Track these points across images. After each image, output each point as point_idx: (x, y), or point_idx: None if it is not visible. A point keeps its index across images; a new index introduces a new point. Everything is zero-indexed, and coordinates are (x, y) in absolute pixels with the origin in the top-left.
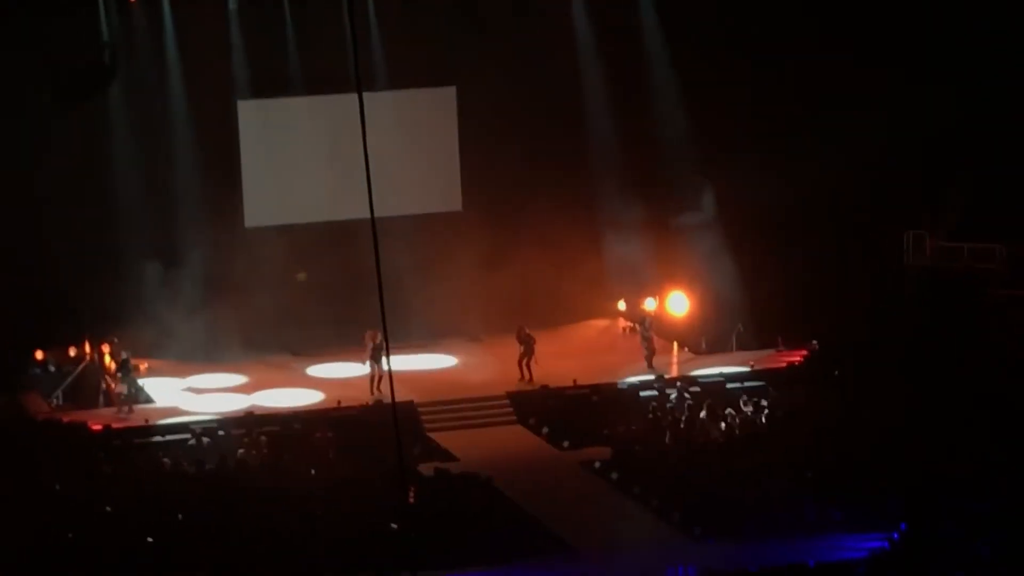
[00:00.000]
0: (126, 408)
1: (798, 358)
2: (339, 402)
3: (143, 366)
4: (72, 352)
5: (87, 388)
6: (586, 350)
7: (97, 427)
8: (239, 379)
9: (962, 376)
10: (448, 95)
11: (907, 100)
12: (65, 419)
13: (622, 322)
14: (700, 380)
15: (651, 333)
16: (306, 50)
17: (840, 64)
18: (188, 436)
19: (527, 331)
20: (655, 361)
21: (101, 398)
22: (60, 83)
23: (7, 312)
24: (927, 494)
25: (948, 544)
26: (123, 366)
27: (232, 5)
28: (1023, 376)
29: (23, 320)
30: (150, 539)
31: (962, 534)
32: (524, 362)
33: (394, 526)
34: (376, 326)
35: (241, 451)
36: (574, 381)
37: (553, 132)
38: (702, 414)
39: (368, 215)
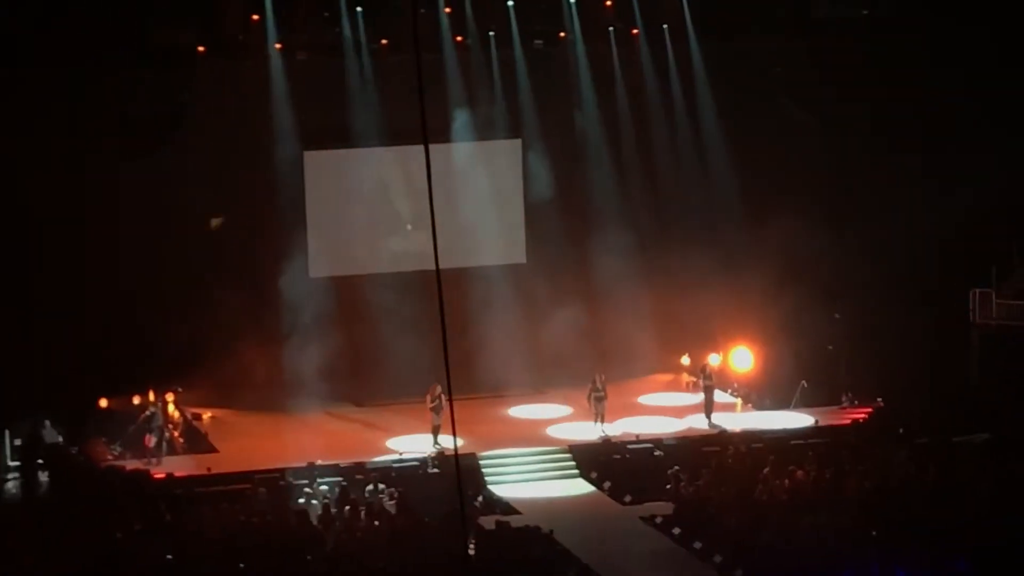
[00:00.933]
0: (155, 460)
1: (863, 415)
2: (401, 454)
3: (206, 415)
4: (136, 401)
5: (148, 439)
6: (649, 404)
7: (160, 476)
8: (303, 431)
9: None
10: (513, 149)
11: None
12: (128, 468)
13: (686, 377)
14: (763, 436)
15: (713, 388)
16: (374, 101)
17: (914, 122)
18: (249, 486)
19: (601, 380)
20: (718, 417)
21: (164, 447)
22: (131, 133)
23: (73, 360)
24: (994, 557)
25: None
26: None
27: (301, 56)
28: None
29: (88, 368)
30: None
31: None
32: (599, 409)
33: None
34: (439, 379)
35: (302, 501)
36: (636, 435)
37: (618, 185)
38: (765, 470)
39: (433, 267)
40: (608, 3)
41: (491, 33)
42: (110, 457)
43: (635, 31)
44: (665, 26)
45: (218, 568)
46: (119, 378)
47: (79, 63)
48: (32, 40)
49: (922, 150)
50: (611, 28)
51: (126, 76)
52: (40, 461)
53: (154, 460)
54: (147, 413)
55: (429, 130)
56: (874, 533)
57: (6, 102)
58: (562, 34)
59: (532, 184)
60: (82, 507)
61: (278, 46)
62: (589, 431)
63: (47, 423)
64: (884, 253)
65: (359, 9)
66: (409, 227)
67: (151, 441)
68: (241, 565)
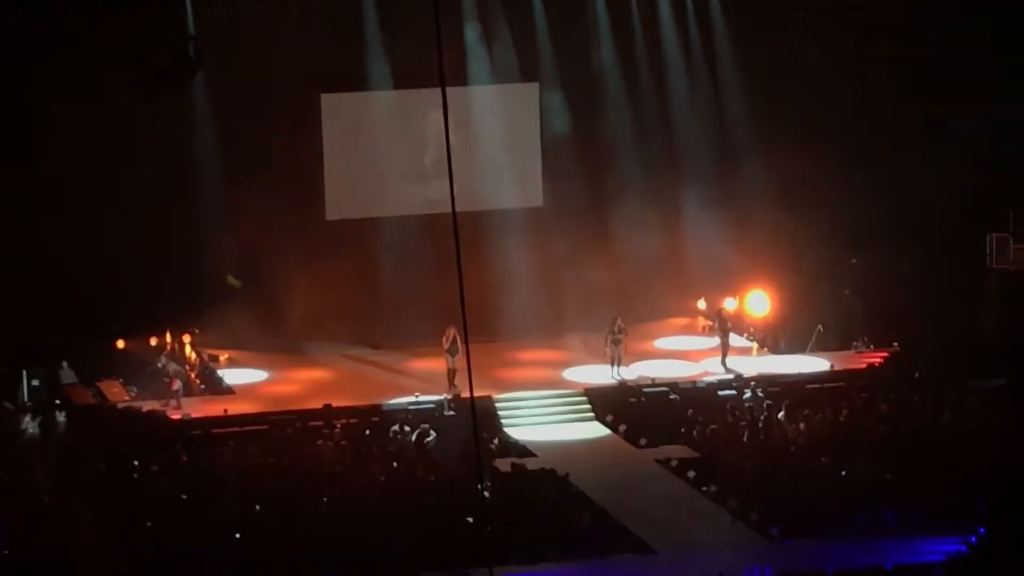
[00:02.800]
0: (174, 402)
1: (879, 359)
2: (416, 395)
3: (223, 357)
4: (153, 342)
5: (166, 379)
6: (664, 348)
7: (176, 416)
8: (319, 372)
9: None
10: (530, 92)
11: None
12: (144, 408)
13: (702, 320)
14: (779, 380)
15: (729, 332)
16: (391, 44)
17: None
18: (265, 427)
19: (619, 324)
20: (733, 361)
21: (182, 390)
22: (146, 76)
23: (89, 301)
24: (1008, 499)
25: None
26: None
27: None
28: None
29: (105, 309)
30: (237, 535)
31: None
32: (615, 352)
33: (470, 520)
34: (455, 321)
35: (319, 442)
36: (652, 380)
37: (635, 128)
38: (780, 414)
39: (450, 210)
40: None
41: None
42: (127, 398)
43: None
44: None
45: (233, 509)
46: (136, 319)
47: (95, 3)
48: None
49: (943, 96)
50: None
51: (142, 17)
52: (57, 401)
53: (172, 402)
54: (160, 362)
55: (448, 74)
56: (888, 477)
57: (27, 46)
58: None
59: (549, 126)
60: (98, 447)
61: None
62: (605, 374)
63: (64, 363)
64: (902, 198)
65: None
66: (428, 167)
67: (176, 384)
68: (257, 507)
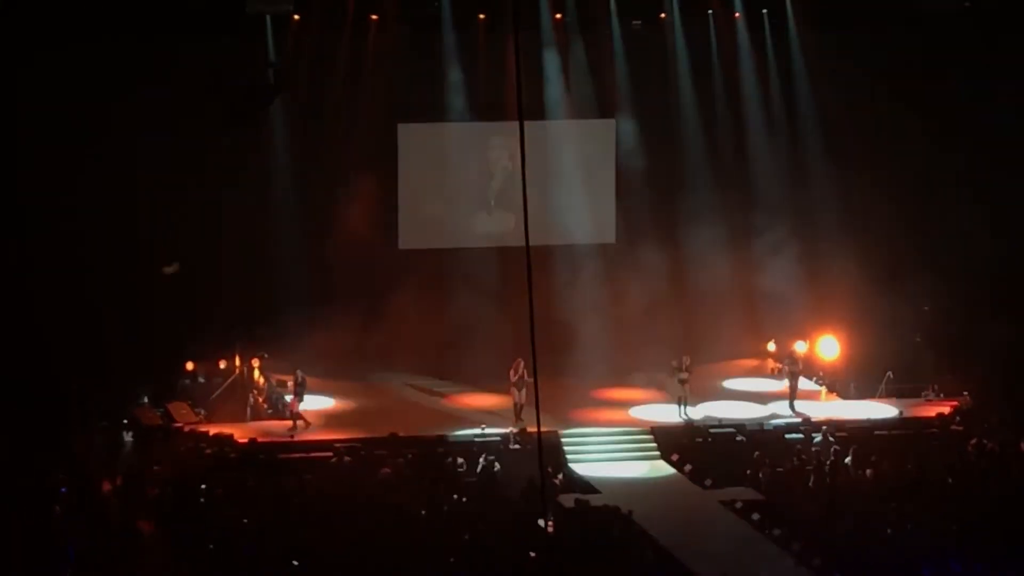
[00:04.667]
0: (302, 423)
1: (948, 408)
2: (483, 429)
3: (291, 382)
4: (222, 365)
5: (235, 402)
6: (733, 388)
7: (243, 440)
8: (386, 401)
9: None
10: (607, 129)
11: None
12: (212, 431)
13: (771, 363)
14: (847, 425)
15: (798, 375)
16: (469, 76)
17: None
18: (331, 454)
19: (686, 363)
20: (801, 404)
21: (248, 411)
22: (227, 102)
23: (160, 323)
24: None
25: None
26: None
27: (400, 30)
28: None
29: (176, 331)
30: (295, 562)
31: None
32: (683, 391)
33: (532, 555)
34: (525, 355)
35: (384, 471)
36: (719, 420)
37: (711, 169)
38: (847, 460)
39: (522, 243)
40: None
41: (589, 12)
42: (194, 419)
43: (736, 15)
44: (765, 11)
45: (297, 535)
46: (207, 342)
47: (178, 31)
48: (133, 7)
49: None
50: (710, 11)
51: (223, 44)
52: (125, 421)
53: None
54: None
55: (524, 107)
56: (954, 528)
57: (108, 70)
58: (663, 15)
59: (624, 162)
60: (165, 469)
61: (374, 17)
62: (672, 413)
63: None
64: (983, 247)
65: None
66: (501, 199)
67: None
68: (318, 533)
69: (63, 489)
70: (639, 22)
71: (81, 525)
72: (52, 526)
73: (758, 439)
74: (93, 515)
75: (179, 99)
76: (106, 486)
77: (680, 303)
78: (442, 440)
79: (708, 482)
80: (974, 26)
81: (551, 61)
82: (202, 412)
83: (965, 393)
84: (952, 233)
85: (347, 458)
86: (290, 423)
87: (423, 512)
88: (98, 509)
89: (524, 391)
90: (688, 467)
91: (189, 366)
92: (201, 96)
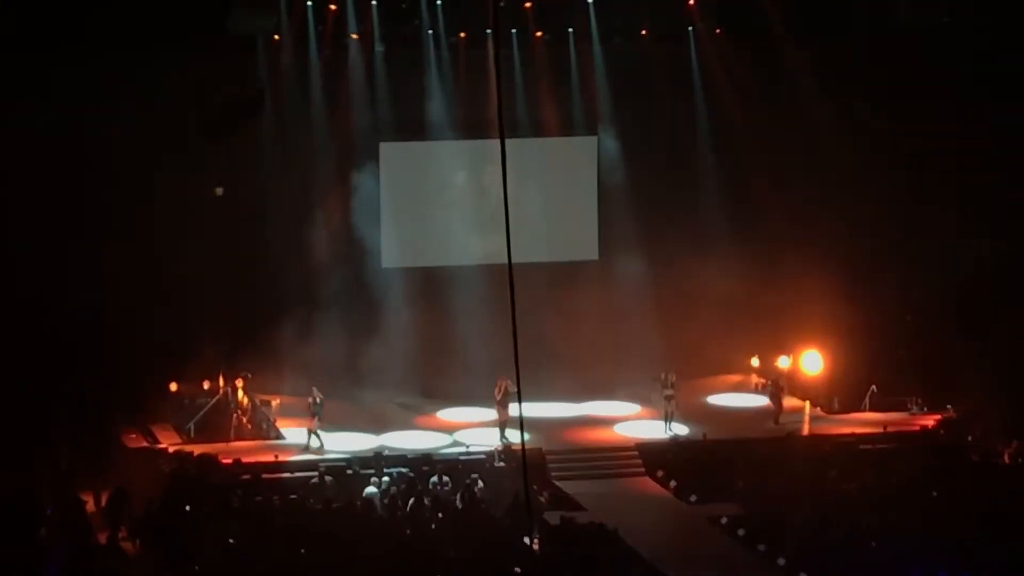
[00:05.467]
0: (316, 441)
1: (932, 422)
2: (468, 447)
3: (275, 402)
4: (206, 386)
5: (219, 422)
6: (717, 404)
7: (227, 461)
8: (370, 419)
9: None
10: (589, 146)
11: None
12: (196, 452)
13: (755, 378)
14: (832, 439)
15: (782, 391)
16: (450, 95)
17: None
18: (315, 473)
19: (671, 379)
20: (786, 418)
21: (232, 431)
22: (209, 116)
23: (143, 345)
24: None
25: None
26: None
27: (378, 47)
28: None
29: (158, 353)
30: None
31: None
32: (668, 407)
33: (518, 571)
34: (509, 373)
35: (369, 489)
36: (704, 435)
37: (692, 187)
38: (832, 473)
39: (504, 261)
40: (691, 2)
41: (570, 29)
42: (179, 440)
43: (717, 31)
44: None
45: (283, 555)
46: (189, 363)
47: (160, 46)
48: (117, 21)
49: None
50: (691, 28)
51: (205, 62)
52: (109, 442)
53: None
54: (217, 398)
55: (505, 124)
56: (939, 539)
57: (90, 81)
58: (643, 31)
59: (606, 179)
60: (149, 489)
61: (355, 36)
62: (657, 430)
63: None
64: (960, 268)
65: (438, 1)
66: (484, 218)
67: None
68: (302, 551)
69: (48, 510)
70: (619, 39)
71: (66, 544)
72: (36, 545)
73: (743, 454)
74: (78, 534)
75: (164, 114)
76: (91, 506)
77: (663, 319)
78: (427, 458)
79: (693, 498)
80: (951, 42)
81: (532, 79)
82: (186, 433)
83: (948, 406)
84: (931, 246)
85: (328, 478)
86: (273, 441)
87: (408, 531)
88: (83, 528)
89: (508, 409)
90: (673, 483)
91: (173, 387)
92: (182, 110)
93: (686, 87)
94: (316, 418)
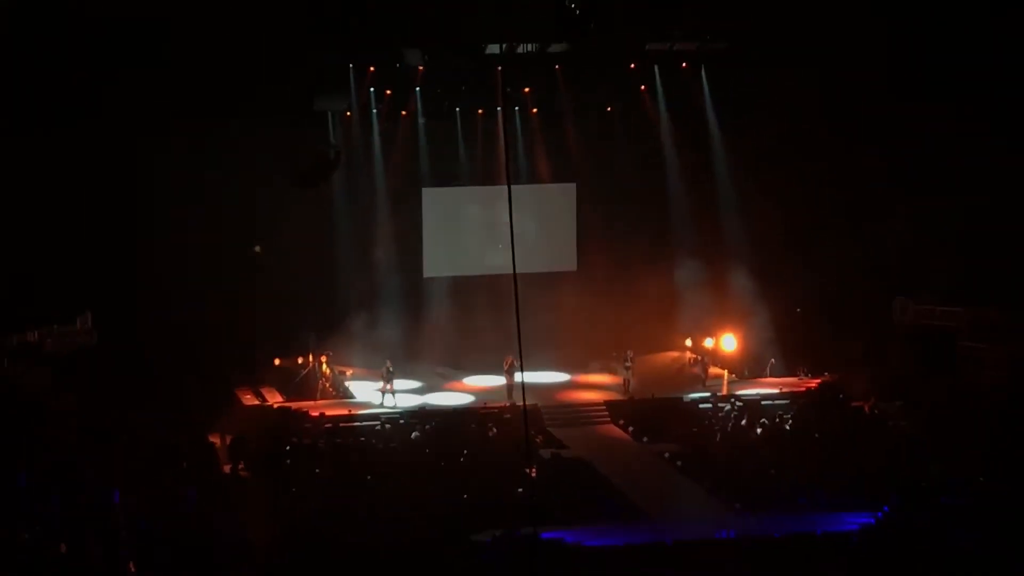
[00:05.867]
0: (391, 398)
1: (814, 385)
2: (485, 404)
3: (349, 372)
4: (300, 360)
5: (309, 386)
6: (662, 373)
7: (315, 414)
8: (416, 384)
9: (937, 400)
10: (569, 191)
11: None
12: (293, 407)
13: (688, 354)
14: (743, 398)
15: (708, 363)
16: (473, 153)
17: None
18: (377, 423)
19: (630, 355)
20: (710, 383)
21: (318, 394)
22: (301, 170)
23: (256, 332)
24: (908, 488)
25: (917, 524)
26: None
27: (420, 120)
28: (981, 401)
29: (267, 337)
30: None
31: (927, 518)
32: (627, 377)
33: (520, 490)
34: (513, 351)
35: (414, 434)
36: (652, 395)
37: (646, 215)
38: (743, 422)
39: (511, 271)
40: (643, 88)
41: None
42: (281, 399)
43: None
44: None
45: (354, 480)
46: (289, 344)
47: (263, 119)
48: (229, 100)
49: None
50: (642, 86)
51: (297, 131)
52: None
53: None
54: (308, 370)
55: (512, 174)
56: (820, 468)
57: (211, 146)
58: (609, 108)
59: (583, 212)
60: (260, 434)
61: (403, 113)
62: (619, 392)
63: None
64: (834, 269)
65: (463, 87)
66: (501, 246)
67: (387, 385)
68: (368, 478)
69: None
70: (593, 112)
71: (201, 474)
72: (180, 475)
73: (681, 409)
74: (209, 467)
75: (264, 170)
76: (218, 446)
77: (623, 312)
78: (456, 411)
79: (645, 439)
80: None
81: (530, 141)
82: (286, 394)
83: (826, 373)
84: (814, 257)
85: (387, 425)
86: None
87: (442, 463)
88: (213, 462)
89: (513, 377)
90: (631, 428)
91: (276, 361)
92: (279, 165)
93: (637, 146)
94: (389, 383)
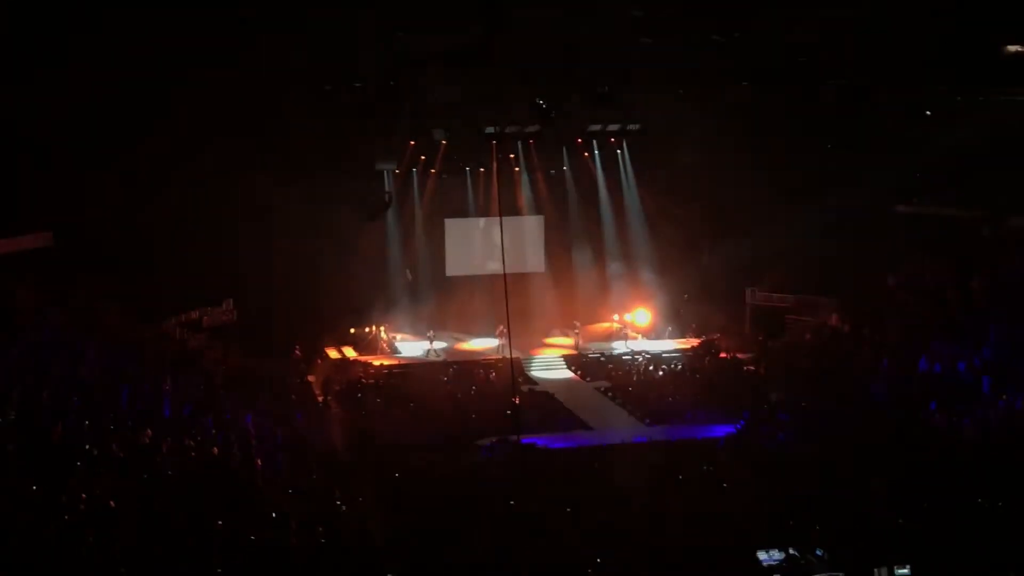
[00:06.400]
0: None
1: (698, 343)
2: (486, 357)
3: (399, 336)
4: (367, 329)
5: (373, 345)
6: (600, 338)
7: (376, 363)
8: (440, 344)
9: (772, 352)
10: (539, 220)
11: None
12: (364, 360)
13: (615, 324)
14: (650, 352)
15: (627, 329)
16: (477, 195)
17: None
18: (418, 370)
19: (578, 324)
20: (631, 344)
21: (379, 350)
22: (364, 209)
23: (340, 310)
24: (755, 409)
25: (762, 432)
26: (431, 337)
27: (443, 176)
28: (800, 352)
29: (347, 311)
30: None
31: (768, 429)
32: (576, 340)
33: (508, 412)
34: (503, 322)
35: (442, 377)
36: (592, 351)
37: (589, 236)
38: (651, 367)
39: (502, 271)
40: (585, 155)
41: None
42: (356, 354)
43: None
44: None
45: (403, 408)
46: (361, 316)
47: (334, 175)
48: (326, 162)
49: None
50: (585, 153)
51: (364, 183)
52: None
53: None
54: (372, 335)
55: (502, 209)
56: (698, 396)
57: (311, 193)
58: (564, 167)
59: (549, 235)
60: (342, 378)
61: (433, 171)
62: (572, 348)
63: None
64: (709, 268)
65: (470, 154)
66: (491, 251)
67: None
68: (411, 404)
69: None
70: (553, 171)
71: (302, 401)
72: (289, 402)
73: (611, 359)
74: (308, 397)
75: (339, 206)
76: (314, 384)
77: (574, 296)
78: (469, 360)
79: (588, 379)
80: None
81: (509, 190)
82: (358, 350)
83: (705, 336)
84: (701, 257)
85: (423, 370)
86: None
87: (459, 394)
88: (311, 394)
89: (503, 339)
90: (579, 372)
91: (352, 330)
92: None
93: (582, 192)
94: (431, 343)
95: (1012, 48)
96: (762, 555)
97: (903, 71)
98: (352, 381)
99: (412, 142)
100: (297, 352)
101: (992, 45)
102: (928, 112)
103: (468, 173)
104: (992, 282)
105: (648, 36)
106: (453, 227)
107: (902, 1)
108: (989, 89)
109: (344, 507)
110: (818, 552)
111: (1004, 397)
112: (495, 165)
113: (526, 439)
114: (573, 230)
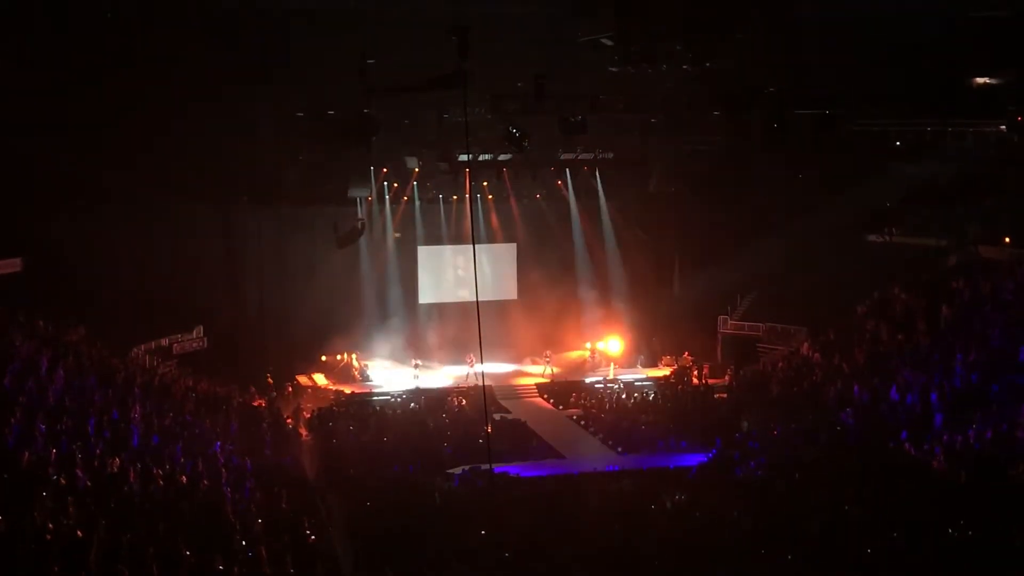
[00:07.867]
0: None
1: (671, 371)
2: (458, 385)
3: (371, 363)
4: (338, 357)
5: (344, 373)
6: (572, 366)
7: (347, 391)
8: (412, 372)
9: (744, 379)
10: (512, 247)
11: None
12: (335, 388)
13: (587, 353)
14: (622, 380)
15: (600, 358)
16: (448, 223)
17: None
18: (389, 398)
19: (549, 353)
20: (602, 372)
21: (351, 378)
22: (338, 236)
23: (311, 336)
24: (728, 437)
25: (733, 459)
26: (417, 367)
27: (417, 201)
28: (771, 380)
29: (316, 345)
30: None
31: (738, 456)
32: (548, 368)
33: (481, 440)
34: (475, 351)
35: (412, 405)
36: (564, 379)
37: (562, 264)
38: (623, 396)
39: (475, 299)
40: (560, 182)
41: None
42: (327, 383)
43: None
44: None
45: (376, 436)
46: (332, 344)
47: (317, 204)
48: (300, 191)
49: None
50: (559, 181)
51: (336, 210)
52: (292, 384)
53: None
54: (343, 363)
55: (475, 237)
56: (671, 425)
57: (285, 222)
58: (537, 195)
59: (521, 261)
60: (312, 405)
61: (405, 198)
62: (544, 378)
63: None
64: (681, 298)
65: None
66: (463, 279)
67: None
68: (384, 439)
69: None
70: (527, 200)
71: (274, 429)
72: (262, 431)
73: (582, 388)
74: (279, 426)
75: (312, 237)
76: (286, 413)
77: (546, 324)
78: (440, 391)
79: (560, 407)
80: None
81: (486, 215)
82: (329, 378)
83: (678, 363)
84: (672, 288)
85: (397, 400)
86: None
87: (431, 424)
88: (282, 423)
89: (474, 368)
90: (551, 400)
91: (323, 358)
92: (327, 232)
93: (556, 218)
94: (418, 375)
95: (980, 80)
96: None
97: (872, 102)
98: (323, 408)
99: (385, 168)
100: (268, 379)
101: (960, 77)
102: (898, 143)
103: (440, 201)
104: (960, 311)
105: (618, 65)
106: (426, 255)
107: (871, 34)
108: (958, 120)
109: (313, 536)
110: None
111: (974, 426)
112: (468, 193)
113: (498, 468)
114: (545, 258)
